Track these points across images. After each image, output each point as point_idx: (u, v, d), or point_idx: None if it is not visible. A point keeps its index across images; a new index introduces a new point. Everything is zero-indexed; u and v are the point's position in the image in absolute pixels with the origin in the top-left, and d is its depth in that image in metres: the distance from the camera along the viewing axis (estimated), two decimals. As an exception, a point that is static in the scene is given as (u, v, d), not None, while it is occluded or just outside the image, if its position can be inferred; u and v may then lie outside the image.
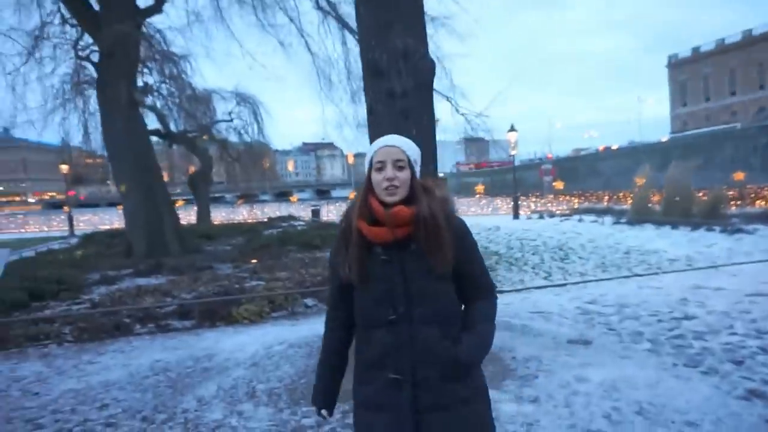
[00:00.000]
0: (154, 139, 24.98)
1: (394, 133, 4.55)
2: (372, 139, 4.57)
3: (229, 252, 12.97)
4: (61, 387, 4.42)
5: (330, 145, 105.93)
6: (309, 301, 6.98)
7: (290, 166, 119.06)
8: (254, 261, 10.85)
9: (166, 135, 22.38)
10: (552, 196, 29.55)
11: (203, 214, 23.02)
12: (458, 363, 1.46)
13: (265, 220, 25.89)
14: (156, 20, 15.16)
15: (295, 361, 4.64)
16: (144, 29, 17.95)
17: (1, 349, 5.59)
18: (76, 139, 18.69)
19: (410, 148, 1.53)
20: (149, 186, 12.41)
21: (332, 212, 28.73)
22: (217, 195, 47.95)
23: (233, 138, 25.19)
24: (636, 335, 4.97)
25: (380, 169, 1.47)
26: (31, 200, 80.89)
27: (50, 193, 79.72)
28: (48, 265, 11.01)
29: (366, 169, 1.53)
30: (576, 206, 24.87)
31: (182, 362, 4.87)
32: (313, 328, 5.59)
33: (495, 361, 4.31)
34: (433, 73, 4.63)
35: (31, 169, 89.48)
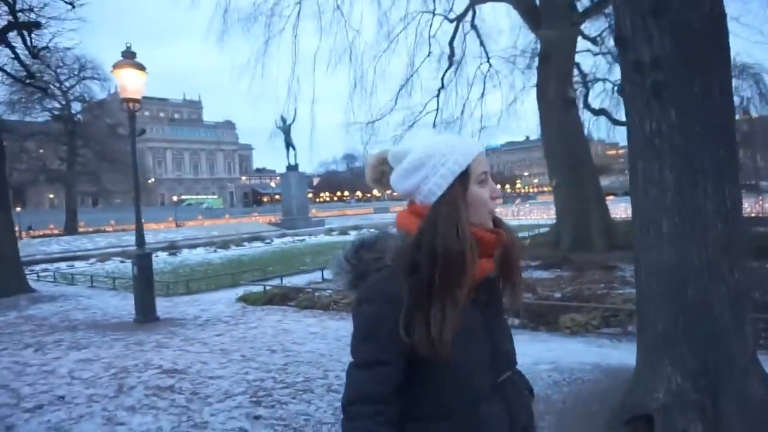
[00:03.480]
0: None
1: (646, 119, 3.51)
2: (630, 130, 3.52)
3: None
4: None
5: None
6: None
7: None
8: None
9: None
10: None
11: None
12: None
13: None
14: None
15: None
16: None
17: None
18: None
19: None
20: (579, 181, 12.51)
21: None
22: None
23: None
24: None
25: (484, 182, 1.08)
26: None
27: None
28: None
29: (451, 179, 1.05)
30: None
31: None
32: (612, 355, 4.72)
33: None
34: (714, 24, 3.11)
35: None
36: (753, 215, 21.28)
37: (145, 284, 7.46)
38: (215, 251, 19.16)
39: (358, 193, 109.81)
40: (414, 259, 1.01)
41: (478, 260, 1.02)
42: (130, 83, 7.85)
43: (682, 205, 3.14)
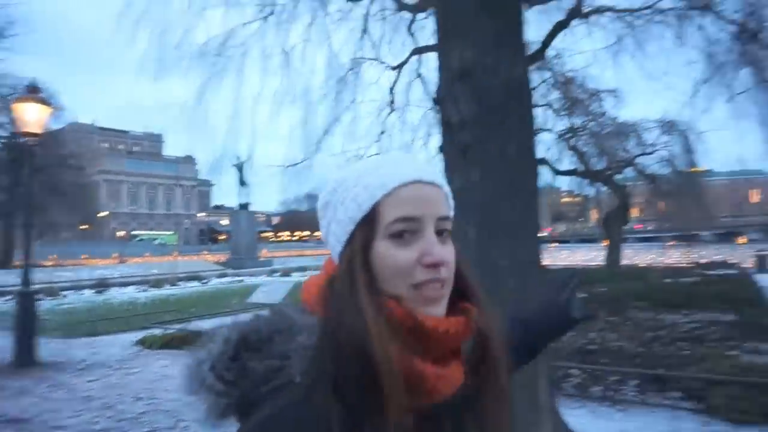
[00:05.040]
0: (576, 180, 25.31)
1: (456, 177, 3.62)
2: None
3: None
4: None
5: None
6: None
7: (754, 197, 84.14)
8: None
9: (585, 174, 22.31)
10: None
11: (612, 256, 21.49)
12: None
13: (690, 265, 21.92)
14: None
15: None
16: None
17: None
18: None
19: (449, 189, 0.71)
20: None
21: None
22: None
23: (663, 171, 22.78)
24: None
25: (403, 235, 0.64)
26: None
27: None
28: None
29: (350, 227, 0.65)
30: None
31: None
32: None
33: None
34: (512, 90, 3.32)
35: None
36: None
37: (25, 325, 7.14)
38: (145, 290, 18.57)
39: (318, 233, 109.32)
40: (335, 370, 0.58)
41: (425, 364, 0.61)
42: (31, 117, 7.73)
43: (482, 260, 3.25)
